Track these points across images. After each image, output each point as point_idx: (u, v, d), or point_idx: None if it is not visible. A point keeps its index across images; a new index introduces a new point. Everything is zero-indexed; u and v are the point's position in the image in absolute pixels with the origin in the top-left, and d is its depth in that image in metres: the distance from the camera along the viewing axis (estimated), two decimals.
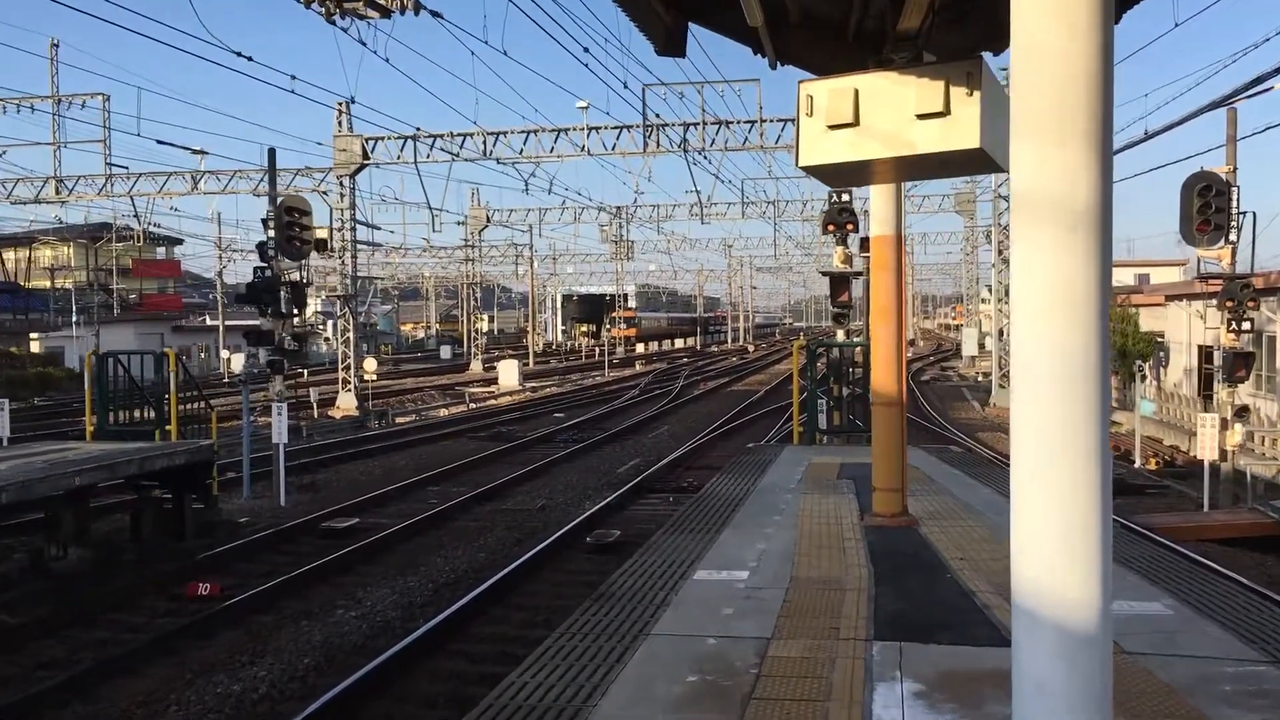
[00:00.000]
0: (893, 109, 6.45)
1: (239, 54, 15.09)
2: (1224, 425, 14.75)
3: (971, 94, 6.15)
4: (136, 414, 15.01)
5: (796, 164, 6.76)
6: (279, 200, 17.14)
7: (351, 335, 35.51)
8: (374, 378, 36.41)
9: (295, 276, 17.44)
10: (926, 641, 4.98)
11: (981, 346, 54.67)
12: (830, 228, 15.23)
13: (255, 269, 17.16)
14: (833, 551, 6.88)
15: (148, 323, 66.85)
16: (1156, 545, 8.46)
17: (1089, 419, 2.49)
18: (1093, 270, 2.46)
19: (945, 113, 6.24)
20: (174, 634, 9.53)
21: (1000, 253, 34.21)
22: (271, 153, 17.53)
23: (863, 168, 6.78)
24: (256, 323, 18.14)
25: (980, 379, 47.58)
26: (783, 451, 12.46)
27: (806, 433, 13.03)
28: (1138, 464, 20.52)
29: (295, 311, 17.25)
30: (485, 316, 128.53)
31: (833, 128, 6.52)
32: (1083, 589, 2.54)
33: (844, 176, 7.10)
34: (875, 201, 7.70)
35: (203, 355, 62.10)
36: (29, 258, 66.77)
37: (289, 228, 17.13)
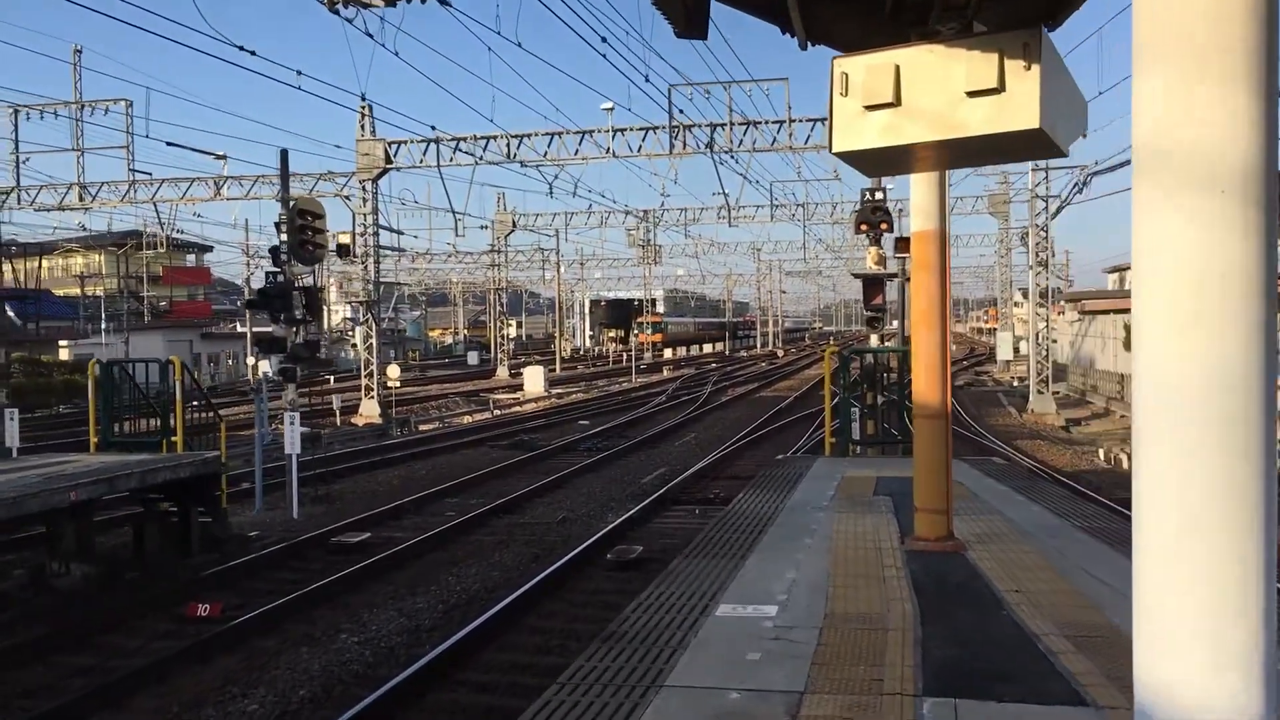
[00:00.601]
0: (939, 86, 5.74)
1: (242, 48, 14.59)
2: None
3: (1030, 68, 5.43)
4: (143, 424, 14.51)
5: (830, 149, 6.06)
6: (291, 203, 16.62)
7: (374, 341, 35.07)
8: (397, 384, 35.99)
9: (309, 281, 16.90)
10: (986, 698, 4.28)
11: (1016, 351, 53.58)
12: (863, 228, 14.50)
13: (267, 274, 16.66)
14: (871, 582, 6.18)
15: (177, 329, 66.93)
16: None
17: (1251, 466, 1.80)
18: (1254, 250, 1.75)
19: (999, 89, 5.52)
20: (168, 660, 8.95)
21: (1038, 255, 33.27)
22: (284, 154, 17.03)
23: (904, 153, 6.08)
24: (271, 329, 17.66)
25: (1015, 384, 46.54)
26: (814, 464, 11.75)
27: (839, 444, 12.31)
28: None
29: (309, 317, 16.71)
30: (513, 322, 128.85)
31: (870, 108, 5.82)
32: (1235, 704, 1.85)
33: (883, 163, 6.40)
34: (916, 193, 7.00)
35: (230, 362, 61.85)
36: (39, 265, 66.96)
37: (302, 231, 16.62)
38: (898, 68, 5.72)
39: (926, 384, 7.06)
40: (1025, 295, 73.18)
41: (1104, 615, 5.38)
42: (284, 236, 16.61)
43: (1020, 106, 5.42)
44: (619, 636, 5.28)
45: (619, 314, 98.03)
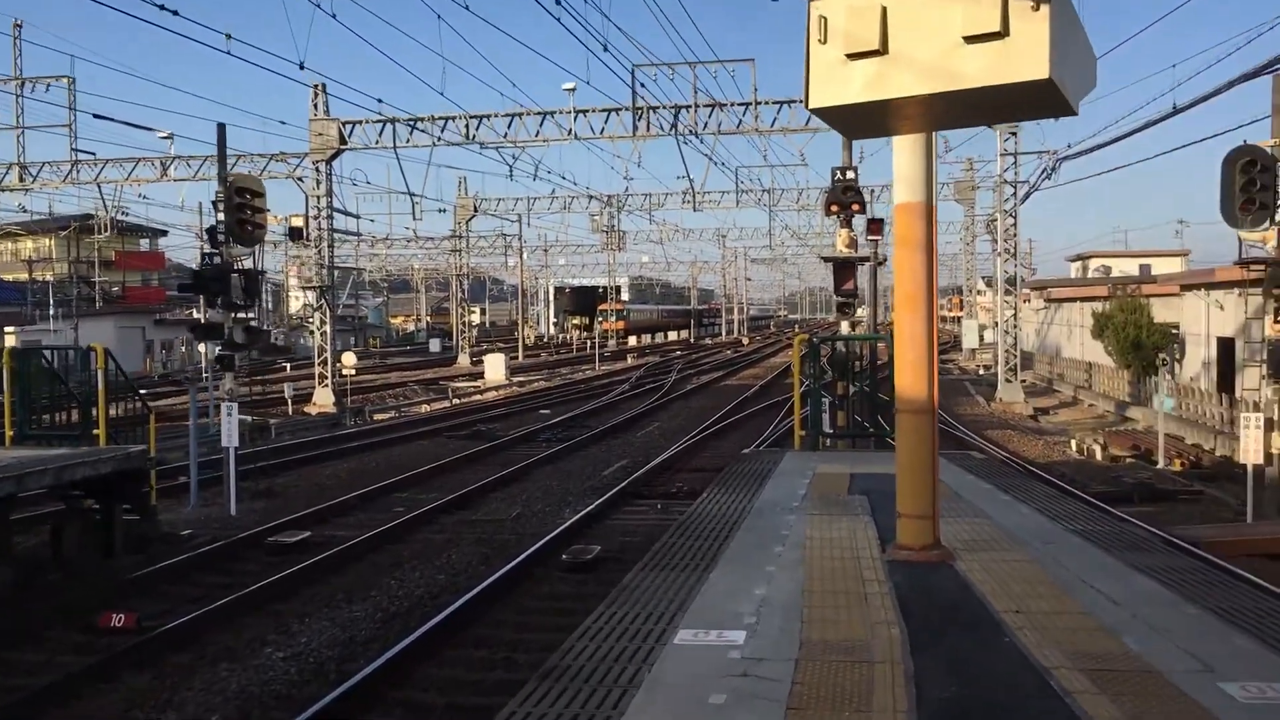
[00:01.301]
0: (932, 31, 4.95)
1: (163, 7, 13.55)
2: (1269, 426, 13.35)
3: (1038, 8, 4.66)
4: (64, 416, 13.50)
5: (806, 105, 5.28)
6: (229, 180, 15.64)
7: (329, 328, 34.01)
8: (352, 372, 34.93)
9: (248, 263, 15.93)
10: None
11: (981, 339, 53.31)
12: (834, 209, 13.75)
13: (202, 254, 15.69)
14: (851, 600, 5.44)
15: (129, 316, 65.21)
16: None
17: None
18: None
19: (1002, 34, 4.74)
20: (70, 679, 8.06)
21: (1006, 242, 32.78)
22: (221, 129, 16.03)
23: (890, 109, 5.27)
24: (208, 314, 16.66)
25: (982, 372, 46.21)
26: (783, 458, 11.00)
27: (809, 437, 11.58)
28: (1161, 464, 19.12)
29: (248, 302, 15.76)
30: (477, 309, 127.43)
31: (853, 57, 5.02)
32: None
33: (866, 122, 5.62)
34: (901, 159, 6.24)
35: (184, 349, 60.20)
36: None
37: (240, 210, 15.63)
38: (884, 9, 4.94)
39: (911, 375, 6.32)
40: (988, 283, 72.99)
41: (1121, 642, 4.67)
42: (221, 216, 15.63)
43: (1027, 54, 4.65)
44: (561, 673, 4.49)
45: (584, 301, 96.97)
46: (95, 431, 12.89)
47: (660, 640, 4.85)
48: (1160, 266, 62.41)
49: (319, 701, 7.34)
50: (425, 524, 14.25)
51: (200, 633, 9.27)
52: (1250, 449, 12.98)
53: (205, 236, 16.53)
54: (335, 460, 20.67)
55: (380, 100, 30.37)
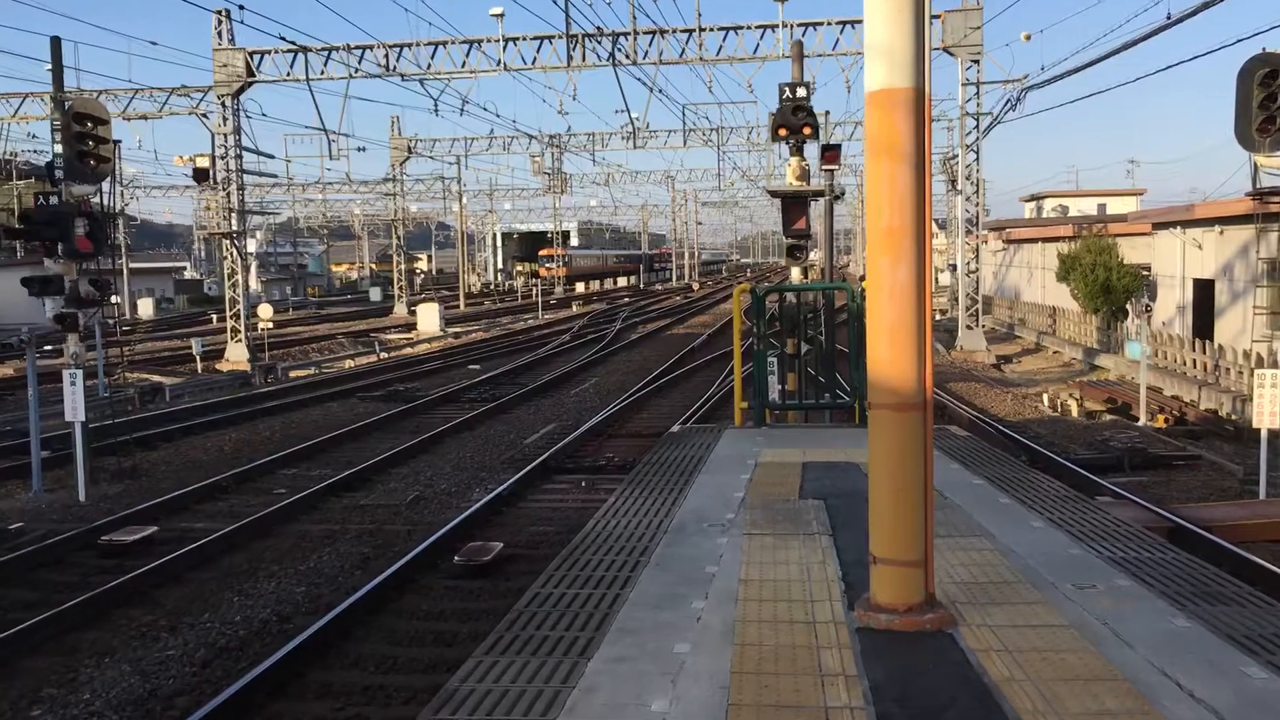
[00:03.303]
0: None
1: None
2: None
3: None
4: None
5: None
6: (67, 106, 13.10)
7: (240, 277, 31.38)
8: (269, 325, 32.37)
9: (95, 204, 13.45)
10: None
11: (937, 282, 51.62)
12: (782, 132, 11.56)
13: (36, 195, 13.19)
14: (805, 713, 3.38)
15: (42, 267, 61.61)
16: None
17: None
18: None
19: None
20: None
21: (967, 178, 30.80)
22: (55, 42, 13.44)
23: None
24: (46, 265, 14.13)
25: (938, 316, 44.52)
26: (720, 439, 8.89)
27: (753, 409, 9.49)
28: (1143, 421, 17.35)
29: (95, 251, 13.32)
30: (424, 256, 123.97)
31: None
32: None
33: None
34: (877, 23, 4.08)
35: (118, 300, 56.60)
36: None
37: (81, 140, 13.14)
38: None
39: (890, 348, 4.21)
40: (940, 225, 71.21)
41: None
42: (59, 147, 13.13)
43: None
44: None
45: (530, 247, 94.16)
46: None
47: None
48: (1116, 206, 60.98)
49: None
50: (305, 511, 12.05)
51: None
52: (1265, 412, 11.12)
53: (51, 172, 13.98)
54: (226, 428, 18.31)
55: (285, 36, 26.91)
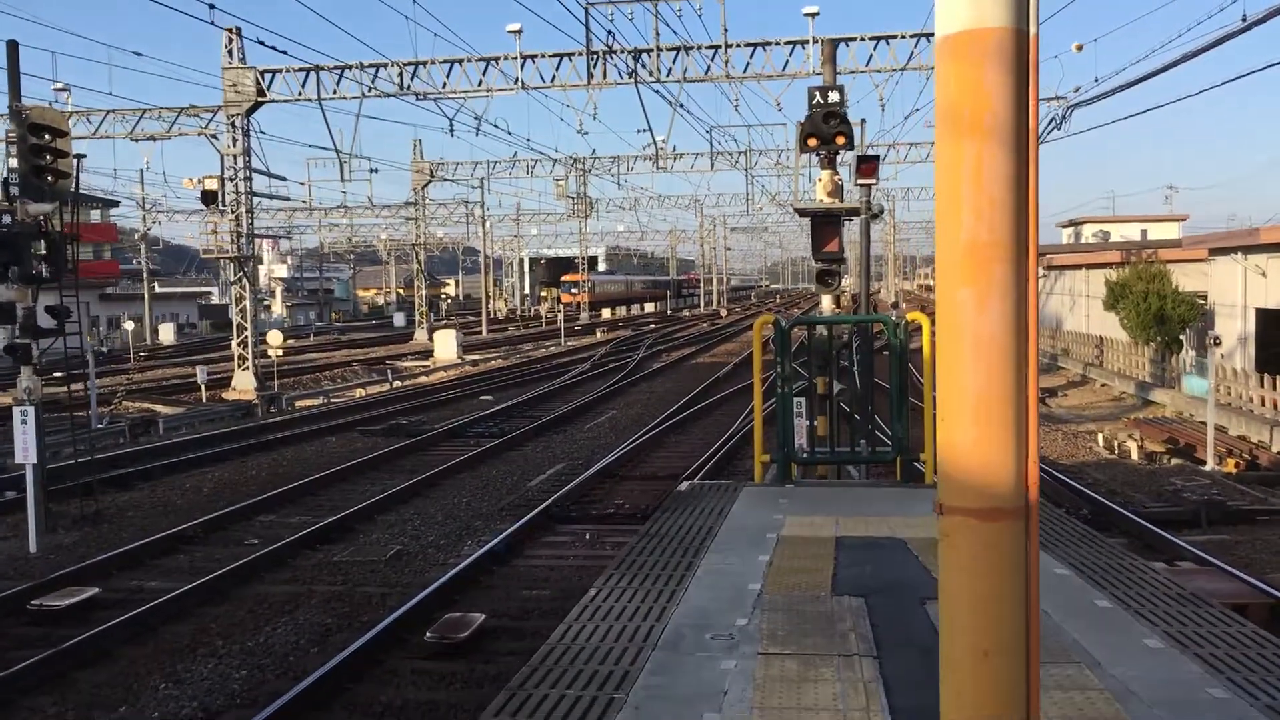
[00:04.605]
0: None
1: None
2: None
3: None
4: None
5: None
6: (23, 114, 11.92)
7: (248, 304, 30.23)
8: (279, 353, 31.23)
9: (54, 225, 12.26)
10: None
11: None
12: (811, 142, 10.14)
13: None
14: None
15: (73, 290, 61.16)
16: None
17: None
18: None
19: None
20: None
21: None
22: (12, 47, 12.30)
23: None
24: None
25: None
26: (736, 501, 7.43)
27: (776, 463, 8.02)
28: (1210, 465, 15.71)
29: (53, 275, 12.12)
30: (451, 281, 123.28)
31: None
32: None
33: None
34: None
35: (132, 326, 55.83)
36: None
37: (38, 154, 11.95)
38: None
39: (975, 427, 2.79)
40: None
41: None
42: (13, 161, 11.95)
43: None
44: None
45: (557, 273, 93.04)
46: None
47: None
48: (1157, 232, 58.95)
49: None
50: (272, 567, 10.70)
51: None
52: None
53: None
54: (212, 465, 17.04)
55: (290, 53, 25.20)
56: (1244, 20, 13.08)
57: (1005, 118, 2.67)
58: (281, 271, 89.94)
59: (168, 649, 8.35)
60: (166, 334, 60.33)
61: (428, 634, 8.23)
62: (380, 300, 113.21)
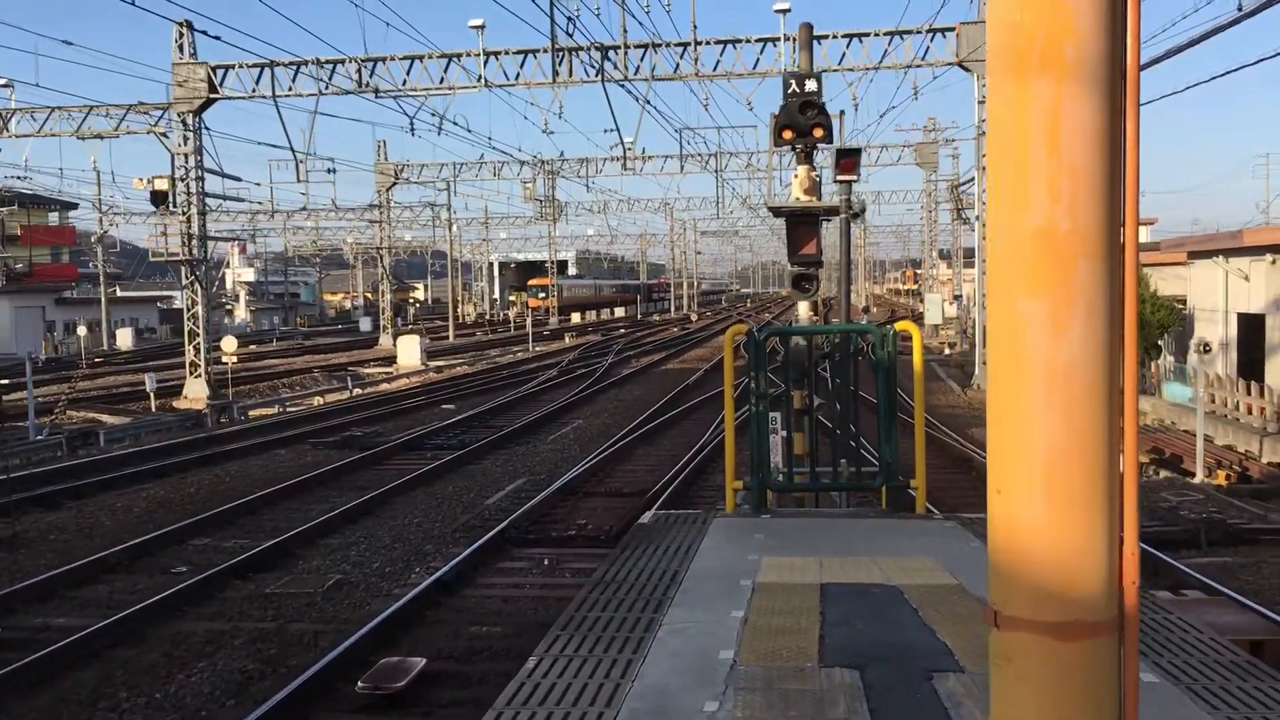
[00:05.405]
0: None
1: None
2: None
3: None
4: None
5: None
6: None
7: (201, 309, 29.08)
8: (233, 360, 30.07)
9: None
10: None
11: (944, 315, 49.38)
12: (786, 135, 9.32)
13: None
14: None
15: (27, 295, 59.66)
16: None
17: None
18: None
19: None
20: None
21: (983, 201, 28.61)
22: None
23: None
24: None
25: (948, 350, 42.24)
26: (705, 536, 6.54)
27: (753, 492, 7.15)
28: (1200, 478, 15.04)
29: None
30: (420, 285, 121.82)
31: None
32: None
33: None
34: None
35: (87, 331, 54.13)
36: None
37: None
38: None
39: (1049, 499, 1.89)
40: (942, 256, 68.82)
41: None
42: None
43: None
44: None
45: (525, 277, 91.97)
46: None
47: None
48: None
49: None
50: (196, 602, 9.72)
51: None
52: None
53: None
54: (149, 481, 15.99)
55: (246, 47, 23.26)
56: (1239, 9, 12.39)
57: (1097, 48, 1.82)
58: (248, 275, 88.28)
59: (65, 701, 7.38)
60: (124, 339, 58.72)
61: (359, 684, 7.30)
62: (347, 305, 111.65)
